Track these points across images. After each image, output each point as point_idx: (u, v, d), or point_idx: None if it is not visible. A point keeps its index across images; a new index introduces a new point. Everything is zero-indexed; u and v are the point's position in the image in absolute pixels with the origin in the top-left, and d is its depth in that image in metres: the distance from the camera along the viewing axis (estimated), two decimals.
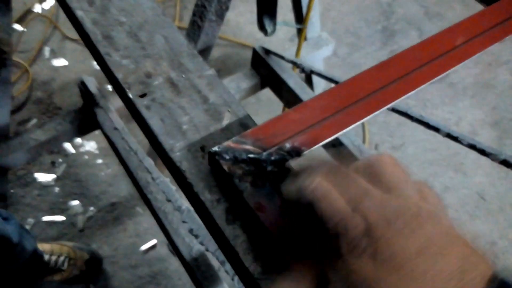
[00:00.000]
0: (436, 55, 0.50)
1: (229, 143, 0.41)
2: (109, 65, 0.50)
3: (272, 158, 0.40)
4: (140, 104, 0.47)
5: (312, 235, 0.33)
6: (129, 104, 0.48)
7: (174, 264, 1.51)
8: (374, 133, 1.87)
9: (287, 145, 0.41)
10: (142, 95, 0.47)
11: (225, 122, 0.46)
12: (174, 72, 0.50)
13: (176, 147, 0.44)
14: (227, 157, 0.40)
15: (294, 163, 0.39)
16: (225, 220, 0.40)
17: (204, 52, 1.23)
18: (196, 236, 0.75)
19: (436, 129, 0.83)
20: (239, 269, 0.39)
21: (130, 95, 0.47)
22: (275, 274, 0.37)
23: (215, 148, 0.41)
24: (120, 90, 0.49)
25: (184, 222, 0.78)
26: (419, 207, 0.31)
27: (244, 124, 0.47)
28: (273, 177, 0.40)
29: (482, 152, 0.76)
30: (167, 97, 0.47)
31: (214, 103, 0.48)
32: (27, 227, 1.52)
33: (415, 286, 0.27)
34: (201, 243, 0.75)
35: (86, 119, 1.26)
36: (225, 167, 0.40)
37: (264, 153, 0.40)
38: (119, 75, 0.49)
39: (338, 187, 0.32)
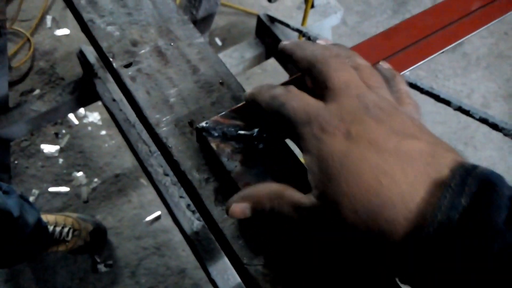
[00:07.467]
0: (449, 22, 0.46)
1: (217, 118, 0.38)
2: (93, 32, 0.46)
3: (265, 135, 0.37)
4: (125, 74, 0.43)
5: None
6: (114, 75, 0.45)
7: (178, 235, 1.50)
8: None
9: None
10: (128, 65, 0.44)
11: (216, 94, 0.43)
12: (162, 40, 0.46)
13: (162, 122, 0.41)
14: (216, 134, 0.37)
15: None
16: (213, 201, 0.37)
17: (206, 20, 1.18)
18: (194, 212, 0.74)
19: (447, 102, 0.79)
20: (228, 252, 0.37)
21: (115, 65, 0.44)
22: (264, 259, 0.34)
23: (203, 124, 0.38)
24: (105, 59, 0.46)
25: (181, 197, 0.76)
26: (393, 102, 0.33)
27: (237, 97, 0.43)
28: (265, 156, 0.37)
29: (494, 126, 0.72)
30: (154, 67, 0.44)
31: (204, 74, 0.44)
32: (32, 198, 1.53)
33: (387, 158, 0.28)
34: (199, 219, 0.74)
35: (86, 90, 1.23)
36: (213, 145, 0.37)
37: (256, 130, 0.37)
38: (103, 44, 0.45)
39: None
